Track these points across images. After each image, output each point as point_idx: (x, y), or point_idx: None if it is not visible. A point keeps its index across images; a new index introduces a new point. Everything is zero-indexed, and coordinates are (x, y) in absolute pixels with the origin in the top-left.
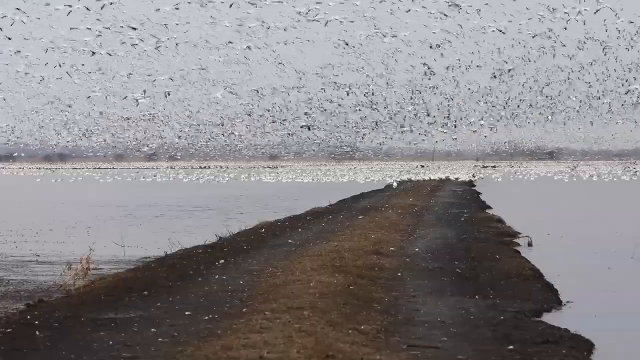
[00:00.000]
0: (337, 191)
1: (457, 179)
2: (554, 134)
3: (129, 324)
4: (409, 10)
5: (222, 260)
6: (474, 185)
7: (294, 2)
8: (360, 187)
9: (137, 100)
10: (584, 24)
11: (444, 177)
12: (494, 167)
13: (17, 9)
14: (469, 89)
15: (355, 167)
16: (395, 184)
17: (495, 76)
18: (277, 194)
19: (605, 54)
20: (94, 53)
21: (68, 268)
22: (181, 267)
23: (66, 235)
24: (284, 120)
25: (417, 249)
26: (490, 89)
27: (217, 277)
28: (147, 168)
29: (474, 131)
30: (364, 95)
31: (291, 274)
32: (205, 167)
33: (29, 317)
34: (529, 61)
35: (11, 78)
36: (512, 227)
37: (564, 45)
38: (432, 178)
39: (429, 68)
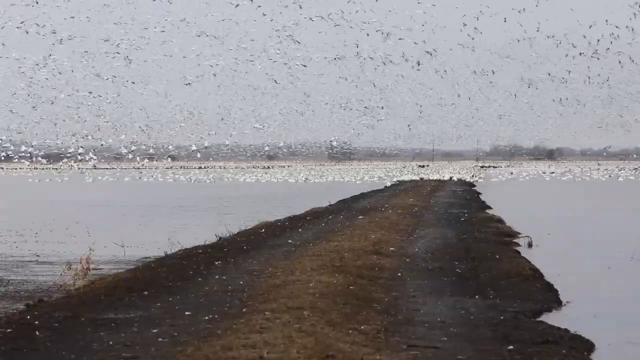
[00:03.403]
0: (330, 192)
1: (458, 179)
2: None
3: (129, 324)
4: None
5: (222, 261)
6: (474, 186)
7: None
8: (357, 188)
9: None
10: None
11: (443, 178)
12: (494, 167)
13: None
14: None
15: (353, 167)
16: (389, 183)
17: None
18: (258, 194)
19: None
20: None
21: (68, 268)
22: (181, 267)
23: (66, 235)
24: None
25: (417, 249)
26: None
27: (217, 277)
28: (144, 168)
29: None
30: None
31: (291, 274)
32: (203, 168)
33: (29, 317)
34: None
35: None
36: (512, 227)
37: None
38: (431, 178)
39: None
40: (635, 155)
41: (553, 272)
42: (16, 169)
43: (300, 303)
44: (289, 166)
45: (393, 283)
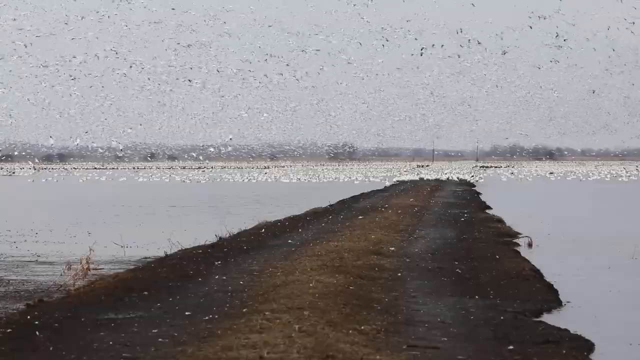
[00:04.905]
0: (330, 192)
1: (458, 178)
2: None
3: (129, 324)
4: None
5: (222, 261)
6: (474, 186)
7: None
8: (357, 188)
9: None
10: None
11: (443, 178)
12: (495, 167)
13: None
14: None
15: (352, 168)
16: (389, 183)
17: None
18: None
19: None
20: None
21: (68, 268)
22: (181, 267)
23: (66, 235)
24: None
25: (417, 249)
26: None
27: (217, 277)
28: (144, 168)
29: None
30: None
31: (291, 274)
32: (202, 168)
33: (29, 317)
34: None
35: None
36: (512, 227)
37: None
38: (431, 178)
39: None
40: None
41: (553, 272)
42: None
43: (300, 303)
44: (289, 166)
45: (393, 283)
